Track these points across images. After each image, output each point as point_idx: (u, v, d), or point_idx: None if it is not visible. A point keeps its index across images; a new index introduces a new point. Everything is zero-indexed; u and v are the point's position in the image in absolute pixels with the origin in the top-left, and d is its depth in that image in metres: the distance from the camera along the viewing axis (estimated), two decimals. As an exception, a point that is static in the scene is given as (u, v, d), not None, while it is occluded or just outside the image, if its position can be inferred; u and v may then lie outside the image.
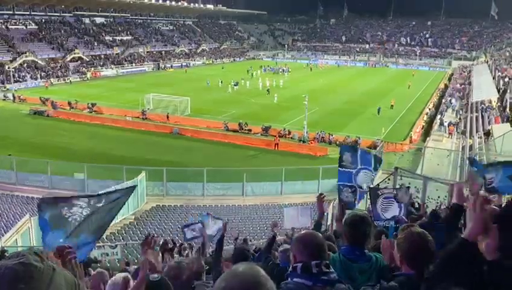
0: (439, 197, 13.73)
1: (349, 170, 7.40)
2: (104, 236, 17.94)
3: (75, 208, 5.01)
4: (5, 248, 13.36)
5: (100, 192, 5.37)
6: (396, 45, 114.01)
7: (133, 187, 5.43)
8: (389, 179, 14.70)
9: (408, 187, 9.43)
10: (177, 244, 11.19)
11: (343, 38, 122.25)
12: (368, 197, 8.65)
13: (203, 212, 11.96)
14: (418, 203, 11.25)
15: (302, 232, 2.74)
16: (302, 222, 8.34)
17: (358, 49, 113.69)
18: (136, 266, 10.20)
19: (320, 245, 2.50)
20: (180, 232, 18.32)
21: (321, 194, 4.92)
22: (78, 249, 5.03)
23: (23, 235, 15.73)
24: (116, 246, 14.35)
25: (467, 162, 19.38)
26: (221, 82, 57.94)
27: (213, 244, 12.68)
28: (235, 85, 55.58)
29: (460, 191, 3.07)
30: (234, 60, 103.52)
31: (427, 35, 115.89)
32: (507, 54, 72.82)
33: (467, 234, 1.97)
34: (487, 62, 77.38)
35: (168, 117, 40.11)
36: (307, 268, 2.39)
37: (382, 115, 43.31)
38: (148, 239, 3.34)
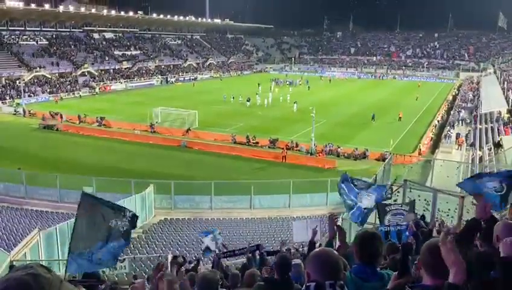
0: (449, 209, 13.56)
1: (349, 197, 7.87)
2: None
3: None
4: (14, 263, 13.37)
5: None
6: (403, 57, 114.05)
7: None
8: (398, 192, 14.55)
9: (413, 201, 9.41)
10: (187, 260, 11.17)
11: (350, 50, 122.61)
12: (377, 213, 8.69)
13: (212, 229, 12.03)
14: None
15: (317, 249, 2.68)
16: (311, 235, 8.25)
17: (365, 62, 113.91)
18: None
19: (335, 264, 2.43)
20: (189, 245, 18.29)
21: (333, 214, 4.87)
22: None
23: (32, 249, 15.74)
24: (124, 259, 14.28)
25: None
26: (233, 97, 57.99)
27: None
28: (247, 101, 55.39)
29: (482, 207, 3.03)
30: (242, 73, 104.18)
31: (435, 47, 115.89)
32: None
33: (452, 279, 1.85)
34: (495, 73, 77.01)
35: (188, 131, 40.03)
36: (321, 288, 2.32)
37: (387, 124, 43.17)
38: (160, 266, 3.29)
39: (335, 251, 2.67)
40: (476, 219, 3.02)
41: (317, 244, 7.44)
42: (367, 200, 7.79)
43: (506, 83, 56.99)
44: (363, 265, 3.00)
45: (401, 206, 8.81)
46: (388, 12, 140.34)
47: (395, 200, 11.69)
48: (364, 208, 7.72)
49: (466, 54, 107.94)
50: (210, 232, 11.36)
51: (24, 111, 49.59)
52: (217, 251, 10.60)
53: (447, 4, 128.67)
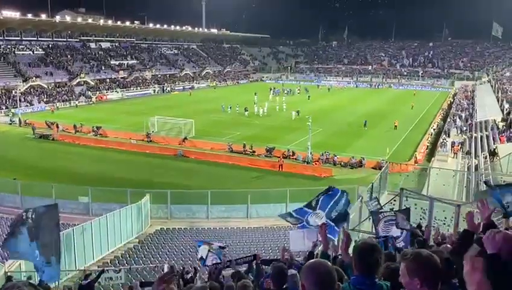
0: (445, 218, 13.57)
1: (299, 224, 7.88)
2: (108, 260, 17.80)
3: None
4: (9, 274, 13.24)
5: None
6: (398, 66, 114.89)
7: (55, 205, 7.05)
8: (394, 200, 14.56)
9: (408, 209, 9.42)
10: (184, 270, 11.09)
11: (346, 60, 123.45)
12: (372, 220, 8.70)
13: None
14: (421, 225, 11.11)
15: (312, 260, 2.67)
16: (309, 245, 8.23)
17: (360, 71, 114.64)
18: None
19: (330, 274, 2.44)
20: (185, 255, 18.17)
21: (324, 224, 4.88)
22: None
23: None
24: (120, 270, 14.17)
25: (481, 183, 19.19)
26: (230, 108, 57.90)
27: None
28: (245, 111, 55.24)
29: (471, 219, 3.03)
30: (238, 82, 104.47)
31: (430, 56, 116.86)
32: (508, 74, 73.08)
33: None
34: (490, 82, 77.67)
35: (184, 140, 39.97)
36: None
37: (383, 132, 43.32)
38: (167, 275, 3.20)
39: (329, 262, 2.67)
40: (468, 230, 3.03)
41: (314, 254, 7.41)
42: (314, 219, 7.79)
43: (500, 91, 57.48)
44: (362, 276, 2.97)
45: (394, 213, 8.81)
46: (383, 22, 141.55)
47: (391, 209, 11.69)
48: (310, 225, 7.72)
49: (461, 63, 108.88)
50: (205, 243, 11.01)
51: (20, 121, 49.41)
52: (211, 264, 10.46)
53: (442, 14, 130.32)
